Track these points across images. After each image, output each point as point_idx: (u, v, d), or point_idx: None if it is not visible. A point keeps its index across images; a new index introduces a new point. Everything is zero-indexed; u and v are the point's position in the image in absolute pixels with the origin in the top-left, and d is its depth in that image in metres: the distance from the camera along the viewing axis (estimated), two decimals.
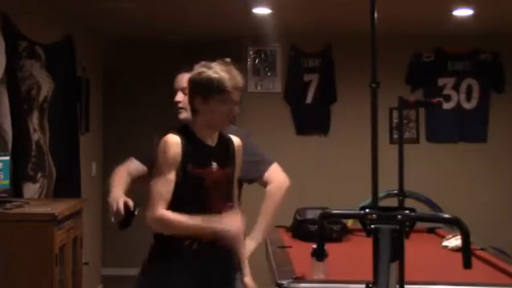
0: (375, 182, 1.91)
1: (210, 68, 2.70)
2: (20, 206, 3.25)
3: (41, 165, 4.64)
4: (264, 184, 3.29)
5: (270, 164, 3.33)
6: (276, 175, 3.29)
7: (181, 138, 2.64)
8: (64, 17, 5.23)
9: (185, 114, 3.22)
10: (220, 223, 2.64)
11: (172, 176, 2.59)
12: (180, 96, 3.19)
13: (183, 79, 3.22)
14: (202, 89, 2.67)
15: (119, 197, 2.93)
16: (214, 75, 2.66)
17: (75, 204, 3.27)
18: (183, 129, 2.74)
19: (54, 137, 4.92)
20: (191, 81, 2.73)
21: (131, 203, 2.87)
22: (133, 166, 3.21)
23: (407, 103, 2.19)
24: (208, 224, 2.62)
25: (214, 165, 2.71)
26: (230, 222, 2.69)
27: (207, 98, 2.66)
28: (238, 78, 2.72)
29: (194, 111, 2.71)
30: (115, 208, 2.87)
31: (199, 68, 2.73)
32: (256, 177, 3.32)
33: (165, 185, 2.58)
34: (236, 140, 2.89)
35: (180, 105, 3.18)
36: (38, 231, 3.04)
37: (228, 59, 2.82)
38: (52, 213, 3.06)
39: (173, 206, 2.61)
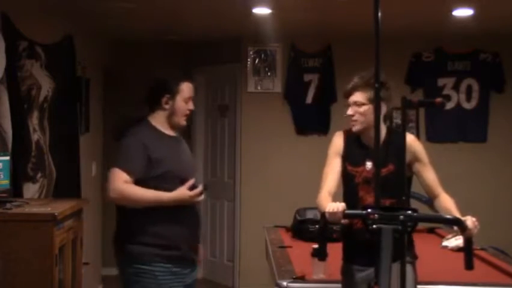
0: (377, 182, 1.91)
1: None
2: (20, 206, 3.25)
3: (41, 165, 4.64)
4: None
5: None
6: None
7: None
8: (64, 17, 5.22)
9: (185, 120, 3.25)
10: None
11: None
12: (192, 105, 3.19)
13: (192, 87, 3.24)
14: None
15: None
16: None
17: (75, 204, 3.27)
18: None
19: (54, 137, 4.91)
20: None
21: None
22: (126, 178, 3.14)
23: (411, 103, 2.19)
24: None
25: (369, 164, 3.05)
26: None
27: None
28: None
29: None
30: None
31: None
32: None
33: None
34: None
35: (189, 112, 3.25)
36: (38, 231, 3.03)
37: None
38: (52, 213, 3.06)
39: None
